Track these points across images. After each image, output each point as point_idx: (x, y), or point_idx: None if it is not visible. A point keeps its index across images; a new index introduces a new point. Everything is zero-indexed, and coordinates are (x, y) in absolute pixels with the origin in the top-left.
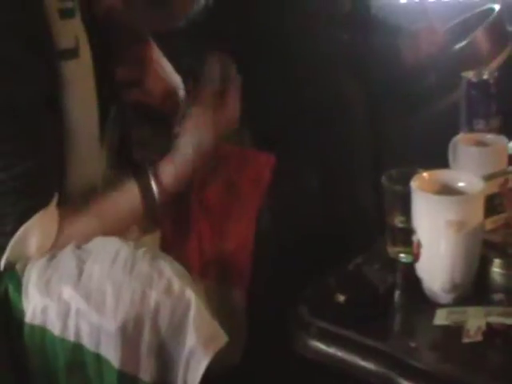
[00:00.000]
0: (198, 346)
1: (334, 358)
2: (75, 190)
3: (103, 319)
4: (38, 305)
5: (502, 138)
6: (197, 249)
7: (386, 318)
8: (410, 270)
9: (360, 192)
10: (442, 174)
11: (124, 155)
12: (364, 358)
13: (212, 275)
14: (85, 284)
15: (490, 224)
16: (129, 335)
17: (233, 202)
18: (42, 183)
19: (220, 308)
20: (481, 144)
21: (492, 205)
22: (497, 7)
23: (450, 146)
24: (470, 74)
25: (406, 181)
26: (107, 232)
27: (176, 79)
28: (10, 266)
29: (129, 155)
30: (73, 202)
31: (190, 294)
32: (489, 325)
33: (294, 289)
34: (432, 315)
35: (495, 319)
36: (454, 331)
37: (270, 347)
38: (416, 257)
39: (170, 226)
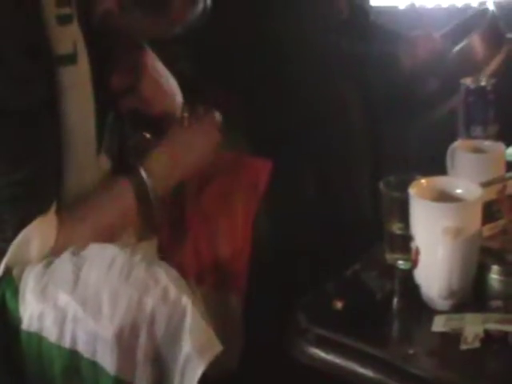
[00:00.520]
0: (193, 353)
1: (332, 365)
2: (73, 196)
3: (99, 326)
4: (34, 312)
5: (500, 145)
6: (193, 254)
7: (384, 324)
8: (408, 276)
9: (358, 198)
10: (439, 181)
11: (121, 162)
12: (362, 364)
13: (209, 281)
14: (81, 291)
15: (487, 231)
16: (125, 342)
17: (229, 207)
18: (41, 189)
19: (217, 314)
20: (479, 151)
21: (490, 211)
22: (491, 8)
23: (448, 152)
24: (467, 81)
25: (404, 187)
26: (105, 233)
27: (173, 84)
28: (8, 272)
29: (125, 162)
30: (70, 207)
31: (186, 302)
32: (486, 331)
33: (291, 295)
34: (430, 322)
35: (493, 326)
36: (452, 338)
37: (267, 353)
38: (414, 263)
39: (167, 232)
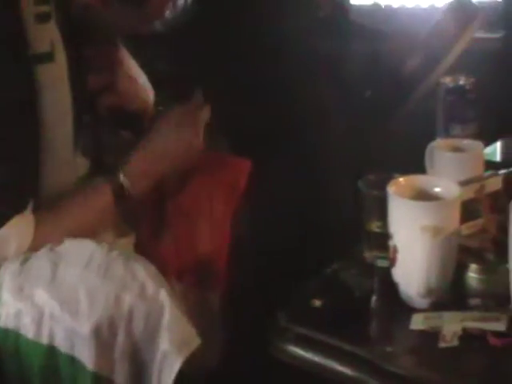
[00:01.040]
0: (171, 349)
1: (312, 363)
2: (50, 196)
3: (77, 323)
4: (11, 309)
5: (479, 144)
6: (173, 252)
7: (362, 322)
8: (386, 274)
9: (339, 197)
10: (418, 180)
11: (99, 161)
12: (341, 362)
13: (188, 279)
14: (58, 288)
15: (466, 229)
16: (103, 338)
17: (209, 206)
18: (18, 188)
19: (195, 311)
20: (457, 149)
21: (468, 210)
22: None
23: (427, 151)
24: (447, 80)
25: (382, 186)
26: (82, 231)
27: (145, 81)
28: None
29: (103, 161)
30: (47, 207)
31: (164, 297)
32: (465, 330)
33: (272, 294)
34: (408, 320)
35: (471, 324)
36: (431, 336)
37: (248, 352)
38: (392, 262)
39: (147, 229)
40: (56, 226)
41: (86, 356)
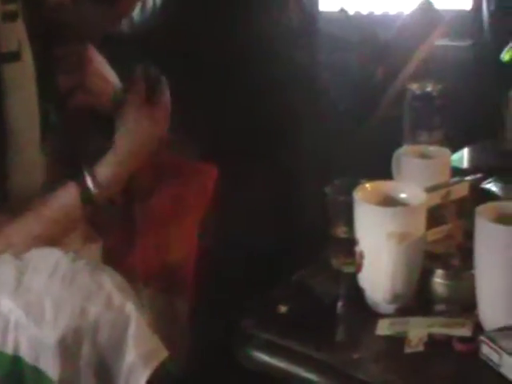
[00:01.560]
0: (137, 361)
1: (278, 370)
2: (17, 198)
3: (42, 332)
4: None
5: (445, 151)
6: (141, 258)
7: (328, 328)
8: (353, 280)
9: (307, 204)
10: (384, 185)
11: (68, 163)
12: (307, 369)
13: (156, 284)
14: (24, 296)
15: (432, 235)
16: (68, 349)
17: (177, 212)
18: None
19: (163, 317)
20: (424, 156)
21: (434, 216)
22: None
23: (394, 157)
24: (414, 86)
25: (349, 192)
26: (48, 236)
27: (116, 80)
28: None
29: (73, 163)
30: (12, 211)
31: (131, 308)
32: (430, 335)
33: (239, 300)
34: (375, 326)
35: (437, 330)
36: (397, 342)
37: (215, 359)
38: (358, 267)
39: (115, 235)
40: (21, 231)
41: (51, 367)
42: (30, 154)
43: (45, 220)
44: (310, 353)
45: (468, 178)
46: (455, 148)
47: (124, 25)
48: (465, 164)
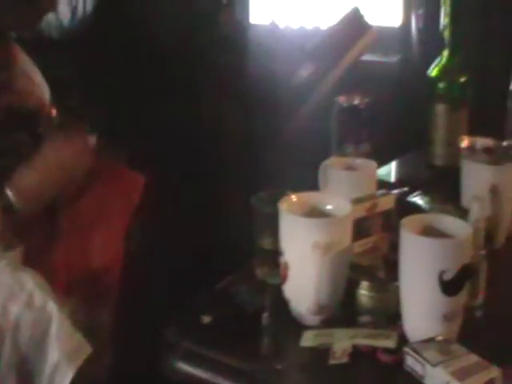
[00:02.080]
0: (61, 359)
1: (201, 381)
2: None
3: None
4: None
5: (372, 163)
6: (63, 265)
7: (252, 339)
8: (278, 291)
9: (235, 214)
10: (310, 197)
11: None
12: (231, 380)
13: (78, 293)
14: None
15: (358, 247)
16: None
17: (102, 219)
18: None
19: (85, 327)
20: (351, 168)
21: (360, 228)
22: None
23: (321, 169)
24: (341, 99)
25: (275, 203)
26: None
27: (41, 79)
28: None
29: None
30: None
31: (52, 307)
32: (355, 347)
33: (163, 310)
34: (299, 337)
35: (361, 341)
36: (321, 353)
37: (139, 368)
38: (283, 278)
39: (36, 241)
40: None
41: None
42: None
43: None
44: (234, 363)
45: (394, 191)
46: (382, 161)
47: (54, 30)
48: (392, 177)
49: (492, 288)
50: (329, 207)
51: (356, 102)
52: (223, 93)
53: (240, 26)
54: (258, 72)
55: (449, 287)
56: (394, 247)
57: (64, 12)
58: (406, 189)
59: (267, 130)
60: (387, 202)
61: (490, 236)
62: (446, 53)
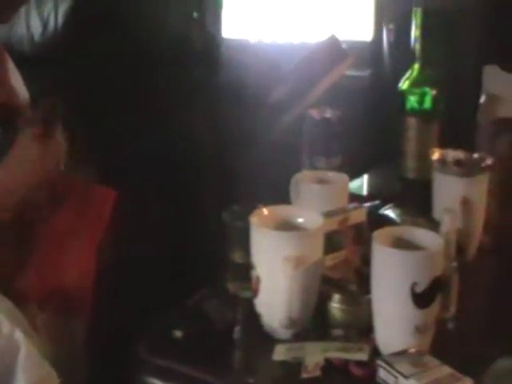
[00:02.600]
0: None
1: None
2: None
3: None
4: None
5: (343, 176)
6: (36, 280)
7: (224, 354)
8: (250, 305)
9: (206, 228)
10: (281, 210)
11: None
12: None
13: (52, 308)
14: None
15: (330, 260)
16: None
17: (74, 234)
18: None
19: (59, 342)
20: (322, 181)
21: (332, 241)
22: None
23: (292, 182)
24: (313, 112)
25: (247, 216)
26: None
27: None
28: None
29: None
30: None
31: (19, 336)
32: (327, 360)
33: (135, 325)
34: (271, 351)
35: (333, 354)
36: (293, 367)
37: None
38: (255, 292)
39: (8, 256)
40: None
41: None
42: None
43: None
44: (206, 378)
45: (366, 204)
46: (354, 174)
47: (25, 45)
48: (364, 190)
49: (464, 300)
50: (300, 220)
51: (328, 115)
52: (194, 106)
53: (211, 40)
54: (229, 86)
55: (421, 299)
56: (366, 260)
57: (35, 26)
58: (377, 202)
59: (239, 143)
60: (359, 215)
61: (461, 248)
62: (416, 66)
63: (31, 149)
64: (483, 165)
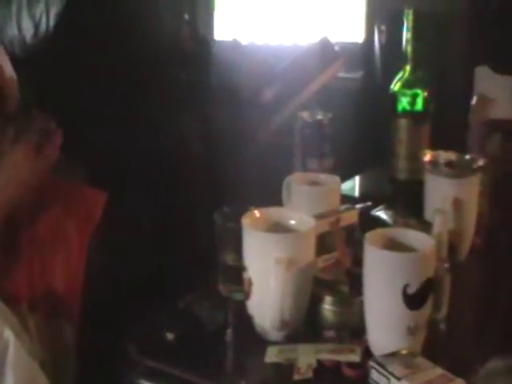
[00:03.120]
0: None
1: None
2: None
3: None
4: None
5: (335, 178)
6: (26, 282)
7: (216, 356)
8: (242, 307)
9: (198, 230)
10: (273, 212)
11: None
12: None
13: (42, 310)
14: None
15: (321, 262)
16: None
17: (63, 237)
18: None
19: (49, 343)
20: (314, 183)
21: (324, 243)
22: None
23: (284, 184)
24: (304, 114)
25: (239, 218)
26: None
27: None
28: None
29: None
30: None
31: (9, 335)
32: (320, 362)
33: (125, 326)
34: (263, 353)
35: (326, 356)
36: (285, 369)
37: None
38: (247, 294)
39: None
40: None
41: None
42: None
43: None
44: (197, 380)
45: (358, 205)
46: (346, 176)
47: (16, 46)
48: (355, 192)
49: (456, 301)
50: (292, 222)
51: (319, 116)
52: (185, 107)
53: (202, 42)
54: (221, 87)
55: (413, 301)
56: (358, 261)
57: (27, 28)
58: (369, 203)
59: (230, 144)
60: (350, 216)
61: (453, 249)
62: (408, 67)
63: (23, 165)
64: (475, 166)
